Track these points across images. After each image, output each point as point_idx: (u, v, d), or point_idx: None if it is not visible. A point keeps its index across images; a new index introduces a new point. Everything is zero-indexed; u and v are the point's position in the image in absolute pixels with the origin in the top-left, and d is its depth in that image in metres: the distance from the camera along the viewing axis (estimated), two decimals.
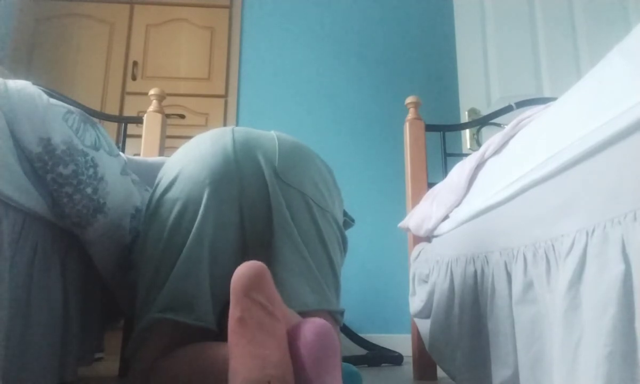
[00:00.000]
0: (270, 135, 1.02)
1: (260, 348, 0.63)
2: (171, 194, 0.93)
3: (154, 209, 0.95)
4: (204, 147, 0.96)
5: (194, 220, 0.90)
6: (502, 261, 0.94)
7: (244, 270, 0.67)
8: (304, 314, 0.81)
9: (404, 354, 2.28)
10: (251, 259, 0.97)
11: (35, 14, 2.91)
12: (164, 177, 0.97)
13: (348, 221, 1.21)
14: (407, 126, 1.83)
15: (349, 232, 1.29)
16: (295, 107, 2.88)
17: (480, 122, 1.95)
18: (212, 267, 0.90)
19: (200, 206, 0.91)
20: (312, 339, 0.67)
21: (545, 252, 0.77)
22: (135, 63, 2.88)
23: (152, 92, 1.87)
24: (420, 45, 2.99)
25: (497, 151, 1.09)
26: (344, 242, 1.07)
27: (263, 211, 0.94)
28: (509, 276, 0.91)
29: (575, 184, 0.69)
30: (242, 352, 0.64)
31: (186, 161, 0.95)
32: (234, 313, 0.66)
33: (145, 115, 1.85)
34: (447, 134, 1.91)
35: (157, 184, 0.98)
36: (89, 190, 0.97)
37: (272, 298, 0.68)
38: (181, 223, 0.91)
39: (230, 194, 0.93)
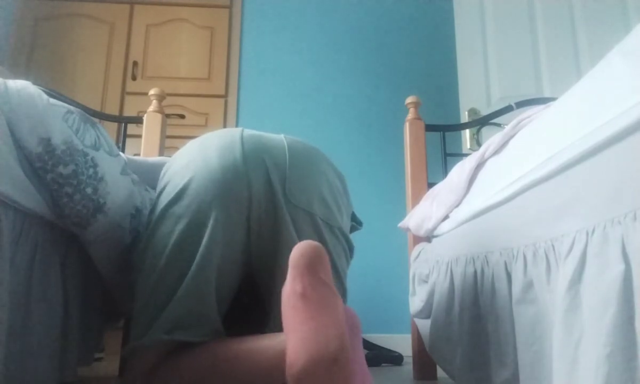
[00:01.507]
0: (281, 144, 0.98)
1: (324, 325, 0.64)
2: (177, 209, 0.90)
3: (158, 218, 0.92)
4: (212, 159, 0.92)
5: (201, 238, 0.88)
6: (502, 261, 0.94)
7: (305, 248, 0.70)
8: None
9: (404, 354, 2.28)
10: (256, 274, 0.97)
11: (35, 14, 2.91)
12: (170, 184, 0.94)
13: (355, 226, 1.20)
14: (407, 126, 1.83)
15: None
16: (295, 107, 2.88)
17: (480, 122, 1.95)
18: (218, 284, 0.89)
19: (207, 225, 0.88)
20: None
21: (545, 252, 0.77)
22: (135, 63, 2.88)
23: (152, 92, 1.86)
24: (420, 45, 2.99)
25: (497, 151, 1.09)
26: (350, 250, 1.07)
27: (270, 230, 0.92)
28: (509, 276, 0.91)
29: (575, 184, 0.69)
30: (302, 328, 0.65)
31: (193, 173, 0.92)
32: (294, 287, 0.68)
33: (145, 115, 1.85)
34: (447, 134, 1.90)
35: (162, 190, 0.95)
36: (89, 190, 0.97)
37: (330, 276, 0.70)
38: (187, 242, 0.88)
39: (239, 214, 0.91)
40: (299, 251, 0.69)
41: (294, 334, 0.65)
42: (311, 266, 0.68)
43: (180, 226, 0.89)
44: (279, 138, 1.00)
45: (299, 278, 0.68)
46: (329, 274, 0.70)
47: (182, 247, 0.88)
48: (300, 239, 0.91)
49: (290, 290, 0.68)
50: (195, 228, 0.89)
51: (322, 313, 0.65)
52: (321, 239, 0.95)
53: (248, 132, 0.99)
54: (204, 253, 0.87)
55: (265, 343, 0.77)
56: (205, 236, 0.88)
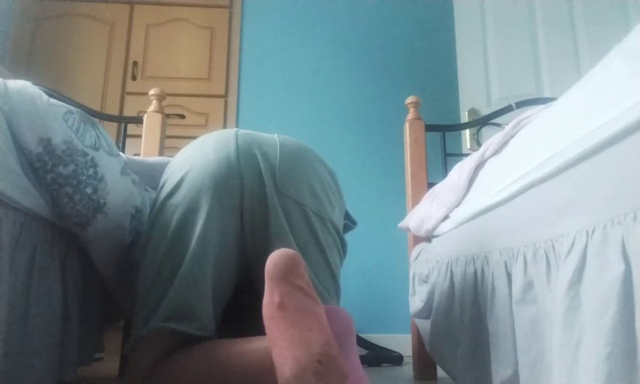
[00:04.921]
0: (273, 141, 1.02)
1: (305, 330, 0.64)
2: (174, 200, 0.94)
3: (157, 212, 0.96)
4: (208, 153, 0.96)
5: (196, 224, 0.90)
6: (502, 261, 0.94)
7: (279, 256, 0.69)
8: None
9: (404, 354, 2.28)
10: (250, 267, 0.98)
11: (35, 14, 2.91)
12: (169, 180, 0.98)
13: (349, 224, 1.21)
14: (407, 126, 1.83)
15: (349, 233, 1.29)
16: (295, 107, 2.88)
17: (480, 122, 1.95)
18: (214, 275, 0.90)
19: (201, 212, 0.91)
20: (332, 323, 0.70)
21: (545, 252, 0.77)
22: (135, 63, 2.88)
23: (152, 92, 1.87)
24: (420, 45, 2.99)
25: (497, 151, 1.09)
26: (343, 246, 1.07)
27: (262, 220, 0.94)
28: (509, 276, 0.91)
29: (575, 184, 0.69)
30: (285, 336, 0.64)
31: (190, 167, 0.96)
32: (272, 298, 0.67)
33: (145, 115, 1.85)
34: (447, 134, 1.91)
35: (162, 187, 0.99)
36: (89, 190, 0.97)
37: (308, 283, 0.69)
38: (183, 230, 0.91)
39: (232, 204, 0.94)
40: (273, 260, 0.69)
41: (277, 345, 0.65)
42: (286, 275, 0.67)
43: (177, 216, 0.92)
44: (272, 136, 1.04)
45: (275, 288, 0.67)
46: (306, 281, 0.69)
47: (179, 236, 0.91)
48: (291, 229, 0.94)
49: (268, 301, 0.68)
50: (190, 215, 0.92)
51: (302, 320, 0.65)
52: (312, 230, 0.96)
53: (243, 131, 1.03)
54: (199, 239, 0.89)
55: (256, 345, 0.77)
56: (200, 223, 0.90)
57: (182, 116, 2.58)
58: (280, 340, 0.65)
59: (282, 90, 2.90)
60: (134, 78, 2.85)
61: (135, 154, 1.78)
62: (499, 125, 1.97)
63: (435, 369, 1.61)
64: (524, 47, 2.35)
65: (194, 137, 1.48)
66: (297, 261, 0.69)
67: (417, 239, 1.69)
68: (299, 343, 0.63)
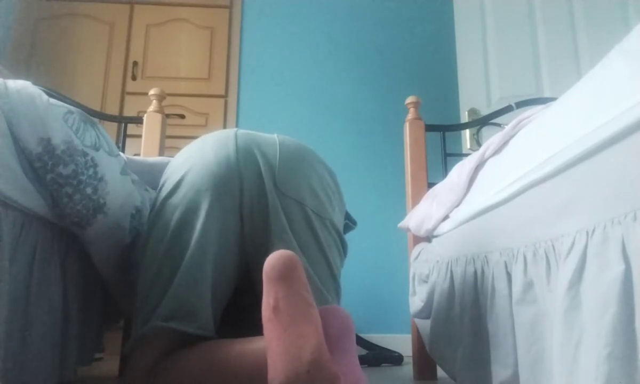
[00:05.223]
0: (273, 141, 1.02)
1: (296, 336, 0.64)
2: (174, 199, 0.94)
3: (157, 212, 0.96)
4: (208, 153, 0.96)
5: (195, 228, 0.90)
6: (502, 261, 0.94)
7: (276, 259, 0.69)
8: None
9: (404, 354, 2.28)
10: (250, 267, 0.98)
11: (35, 14, 2.91)
12: (168, 180, 0.98)
13: (349, 224, 1.21)
14: (407, 126, 1.83)
15: (349, 233, 1.29)
16: (295, 107, 2.88)
17: (480, 122, 1.95)
18: (214, 275, 0.90)
19: (201, 213, 0.91)
20: (331, 323, 0.71)
21: (545, 252, 0.77)
22: (135, 63, 2.88)
23: (152, 92, 1.87)
24: (420, 45, 2.99)
25: (497, 151, 1.09)
26: (343, 246, 1.07)
27: (262, 220, 0.95)
28: (509, 276, 0.91)
29: (575, 184, 0.69)
30: (278, 341, 0.65)
31: (190, 167, 0.96)
32: (268, 301, 0.67)
33: (145, 115, 1.85)
34: (447, 134, 1.91)
35: (162, 186, 0.99)
36: (89, 190, 0.97)
37: (305, 285, 0.69)
38: (183, 230, 0.91)
39: (232, 203, 0.94)
40: (270, 262, 0.69)
41: (271, 350, 0.65)
42: (283, 277, 0.67)
43: (176, 215, 0.92)
44: (272, 136, 1.04)
45: (272, 291, 0.67)
46: (304, 284, 0.69)
47: (179, 235, 0.91)
48: (292, 228, 0.94)
49: (265, 303, 0.68)
50: (190, 215, 0.92)
51: (295, 325, 0.65)
52: (312, 229, 0.96)
53: (242, 130, 1.03)
54: (199, 239, 0.89)
55: (255, 345, 0.77)
56: (200, 223, 0.91)
57: (182, 116, 2.58)
58: (273, 344, 0.65)
59: (282, 91, 2.90)
60: (134, 78, 2.85)
61: (135, 154, 1.79)
62: (499, 125, 1.97)
63: (435, 369, 1.61)
64: (524, 47, 2.35)
65: (194, 137, 1.48)
66: (294, 263, 0.69)
67: (417, 239, 1.69)
68: (289, 349, 0.63)
